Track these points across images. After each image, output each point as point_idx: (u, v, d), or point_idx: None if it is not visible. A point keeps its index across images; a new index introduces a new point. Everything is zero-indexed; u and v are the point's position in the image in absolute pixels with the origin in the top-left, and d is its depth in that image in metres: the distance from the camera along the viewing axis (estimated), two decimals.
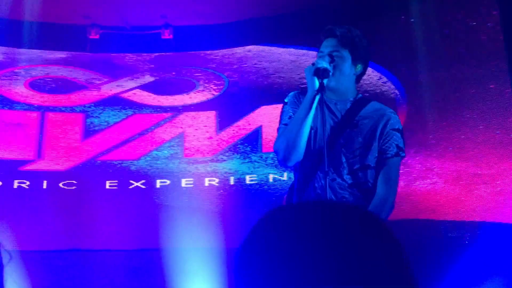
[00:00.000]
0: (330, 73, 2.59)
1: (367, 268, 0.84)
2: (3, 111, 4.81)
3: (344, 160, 2.65)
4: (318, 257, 0.83)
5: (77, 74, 5.03)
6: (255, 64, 5.04)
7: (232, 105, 4.96)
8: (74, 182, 4.84)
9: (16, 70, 5.00)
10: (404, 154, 2.74)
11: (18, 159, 4.84)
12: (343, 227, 0.88)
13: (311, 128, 2.63)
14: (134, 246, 4.68)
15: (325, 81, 2.56)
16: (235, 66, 5.04)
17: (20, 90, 4.96)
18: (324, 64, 2.58)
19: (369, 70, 4.90)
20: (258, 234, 0.90)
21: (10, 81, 4.97)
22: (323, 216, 0.89)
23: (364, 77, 4.95)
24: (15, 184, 4.72)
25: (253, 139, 4.92)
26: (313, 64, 2.59)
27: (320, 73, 2.55)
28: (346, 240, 0.86)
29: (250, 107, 4.94)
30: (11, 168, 4.77)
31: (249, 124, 4.94)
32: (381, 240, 0.89)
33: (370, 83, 4.88)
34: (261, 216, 0.92)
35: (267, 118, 4.88)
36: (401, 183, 4.66)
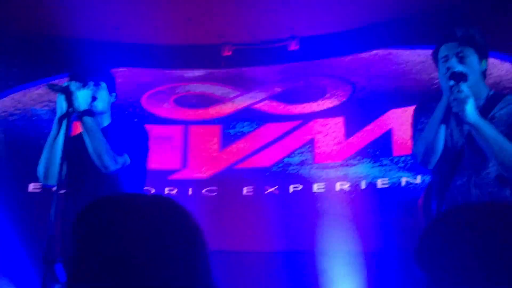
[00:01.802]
0: (468, 76, 2.13)
1: None
2: (152, 127, 4.26)
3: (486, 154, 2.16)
4: (493, 258, 0.73)
5: (214, 89, 4.38)
6: (382, 67, 4.04)
7: (360, 110, 4.02)
8: (215, 188, 4.17)
9: (162, 89, 4.44)
10: None
11: (167, 169, 4.29)
12: None
13: (446, 128, 2.20)
14: (271, 248, 3.93)
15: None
16: (361, 71, 4.07)
17: (166, 107, 4.40)
18: (460, 67, 2.13)
19: (507, 66, 3.67)
20: (436, 230, 0.81)
21: (158, 100, 4.44)
22: (498, 216, 0.78)
23: (502, 72, 3.72)
24: (166, 191, 4.16)
25: (383, 143, 3.93)
26: (447, 68, 2.15)
27: (456, 76, 2.09)
28: None
29: (379, 111, 3.96)
30: (161, 177, 4.24)
31: (379, 128, 3.95)
32: None
33: (510, 78, 3.64)
34: (438, 216, 0.95)
35: (396, 121, 3.87)
36: None
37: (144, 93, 4.52)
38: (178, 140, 4.42)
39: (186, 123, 4.44)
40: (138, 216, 0.80)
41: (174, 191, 4.25)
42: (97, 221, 0.80)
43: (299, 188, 4.04)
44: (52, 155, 2.31)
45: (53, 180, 2.30)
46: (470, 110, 2.04)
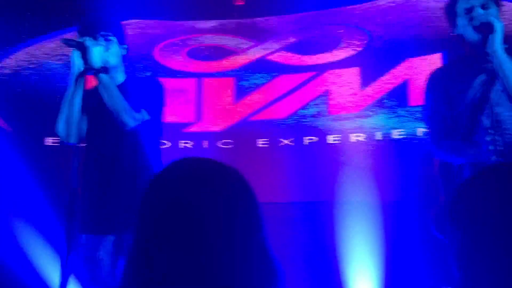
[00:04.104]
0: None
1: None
2: (166, 80, 3.99)
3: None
4: None
5: (227, 41, 4.09)
6: (401, 15, 3.71)
7: (376, 59, 3.72)
8: (230, 141, 3.97)
9: (175, 41, 4.16)
10: None
11: (181, 122, 4.07)
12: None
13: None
14: (287, 199, 3.76)
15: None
16: (378, 19, 3.75)
17: (179, 60, 4.14)
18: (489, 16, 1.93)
19: None
20: (469, 192, 0.79)
21: (171, 52, 4.16)
22: None
23: None
24: (181, 144, 3.97)
25: (400, 93, 3.68)
26: (472, 18, 1.96)
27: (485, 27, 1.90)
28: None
29: (395, 61, 3.66)
30: (176, 130, 4.03)
31: (395, 78, 3.68)
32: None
33: None
34: (471, 177, 0.79)
35: (413, 70, 3.59)
36: None
37: (156, 45, 4.24)
38: (191, 92, 4.17)
39: (199, 75, 4.17)
40: (207, 187, 0.78)
41: (190, 144, 4.05)
42: (169, 192, 0.78)
43: (314, 140, 3.81)
44: (70, 113, 2.16)
45: (73, 138, 2.16)
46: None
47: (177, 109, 4.12)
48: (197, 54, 4.20)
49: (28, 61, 4.23)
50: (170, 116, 4.05)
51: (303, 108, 3.87)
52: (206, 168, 0.84)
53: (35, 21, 4.19)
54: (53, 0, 4.09)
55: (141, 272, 0.74)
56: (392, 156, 3.60)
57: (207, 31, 4.17)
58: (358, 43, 3.85)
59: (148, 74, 4.13)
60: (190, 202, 0.76)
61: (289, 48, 3.98)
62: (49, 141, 3.92)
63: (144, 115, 2.21)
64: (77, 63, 2.07)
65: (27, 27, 4.21)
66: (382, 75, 3.73)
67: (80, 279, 2.25)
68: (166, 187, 0.79)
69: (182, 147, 4.03)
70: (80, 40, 2.10)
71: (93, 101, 2.20)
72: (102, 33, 2.20)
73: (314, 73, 3.89)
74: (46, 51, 4.24)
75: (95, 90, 2.18)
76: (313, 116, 3.84)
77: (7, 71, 4.18)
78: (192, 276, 0.72)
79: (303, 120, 3.86)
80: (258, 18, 4.06)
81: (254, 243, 0.78)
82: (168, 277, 0.72)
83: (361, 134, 3.71)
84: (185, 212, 0.75)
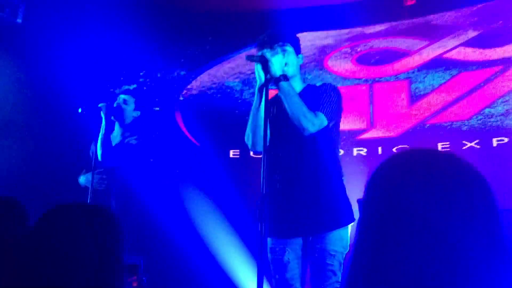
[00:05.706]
0: None
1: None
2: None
3: None
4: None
5: (398, 43, 3.86)
6: None
7: None
8: (407, 146, 3.73)
9: (343, 49, 4.09)
10: None
11: (354, 129, 3.97)
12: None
13: None
14: None
15: None
16: None
17: (349, 67, 4.05)
18: None
19: None
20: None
21: (340, 60, 4.09)
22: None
23: None
24: (354, 152, 3.87)
25: None
26: None
27: None
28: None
29: None
30: (349, 138, 3.93)
31: None
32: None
33: None
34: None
35: None
36: None
37: (326, 55, 4.21)
38: (363, 99, 4.04)
39: (370, 81, 4.03)
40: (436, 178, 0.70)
41: (364, 151, 3.92)
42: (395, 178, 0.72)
43: (505, 141, 3.37)
44: (257, 124, 2.24)
45: (259, 146, 2.25)
46: None
47: (349, 117, 4.03)
48: (366, 59, 4.07)
49: (211, 81, 4.56)
50: (342, 124, 3.98)
51: (490, 106, 3.45)
52: (437, 160, 0.73)
53: (215, 45, 4.51)
54: (229, 25, 4.35)
55: (367, 273, 0.69)
56: None
57: (376, 36, 4.00)
58: None
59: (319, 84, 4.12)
60: (422, 198, 0.69)
61: (469, 43, 3.60)
62: (232, 153, 4.15)
63: (323, 121, 2.20)
64: (259, 75, 2.14)
65: (208, 50, 4.55)
66: None
67: (269, 281, 2.30)
68: (392, 182, 0.72)
69: (356, 154, 3.92)
70: (259, 53, 2.17)
71: (274, 109, 2.25)
72: (279, 43, 2.24)
73: (500, 67, 3.45)
74: (225, 70, 4.52)
75: (276, 98, 2.23)
76: (502, 114, 3.40)
77: (194, 92, 4.56)
78: (427, 279, 0.64)
79: (490, 119, 3.44)
80: (432, 15, 3.76)
81: (497, 243, 0.68)
82: (398, 279, 0.66)
83: None
84: (416, 209, 0.68)
